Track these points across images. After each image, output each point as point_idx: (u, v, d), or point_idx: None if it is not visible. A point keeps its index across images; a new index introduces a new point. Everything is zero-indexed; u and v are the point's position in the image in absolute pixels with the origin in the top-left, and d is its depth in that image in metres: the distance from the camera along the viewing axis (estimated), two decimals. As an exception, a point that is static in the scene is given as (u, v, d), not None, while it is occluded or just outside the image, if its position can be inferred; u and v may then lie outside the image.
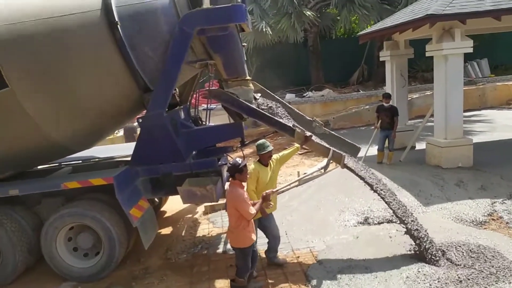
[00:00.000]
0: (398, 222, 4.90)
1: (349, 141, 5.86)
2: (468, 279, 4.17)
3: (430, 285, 4.17)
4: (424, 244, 4.68)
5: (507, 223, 5.58)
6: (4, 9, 4.56)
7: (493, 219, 5.76)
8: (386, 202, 4.94)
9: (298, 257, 5.22)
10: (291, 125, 5.21)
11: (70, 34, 4.60)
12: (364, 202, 6.61)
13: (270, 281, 4.70)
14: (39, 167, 6.06)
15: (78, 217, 5.01)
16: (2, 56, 4.45)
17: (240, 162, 4.20)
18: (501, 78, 16.41)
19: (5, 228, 5.04)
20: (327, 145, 5.16)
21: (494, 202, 6.19)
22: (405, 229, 4.79)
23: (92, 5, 4.73)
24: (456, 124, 7.83)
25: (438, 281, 4.20)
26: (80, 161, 6.36)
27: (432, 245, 4.73)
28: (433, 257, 4.62)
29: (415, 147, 9.38)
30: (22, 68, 4.53)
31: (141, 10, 4.89)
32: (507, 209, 5.93)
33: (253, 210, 4.11)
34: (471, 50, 7.52)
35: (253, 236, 4.36)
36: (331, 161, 5.06)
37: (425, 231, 4.83)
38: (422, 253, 4.66)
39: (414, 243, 4.78)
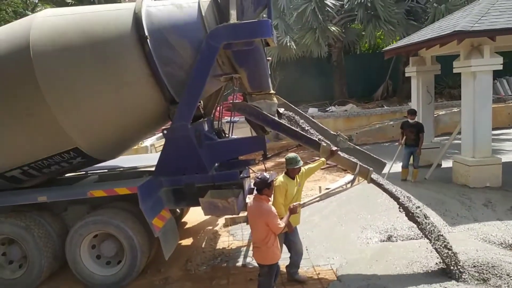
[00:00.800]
0: (425, 239, 4.79)
1: (374, 156, 5.79)
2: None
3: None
4: (451, 261, 4.59)
5: (538, 247, 5.35)
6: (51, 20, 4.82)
7: (523, 242, 5.53)
8: (413, 219, 4.84)
9: (319, 273, 5.14)
10: (317, 139, 5.19)
11: (107, 46, 4.78)
12: (387, 219, 6.47)
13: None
14: (67, 175, 6.23)
15: (102, 225, 5.11)
16: (40, 68, 4.67)
17: (268, 176, 4.18)
18: (532, 96, 15.94)
19: (33, 234, 5.18)
20: (353, 159, 5.12)
21: (524, 224, 5.95)
22: (433, 248, 4.68)
23: (124, 19, 4.91)
24: (484, 143, 7.62)
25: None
26: (106, 170, 6.50)
27: (459, 263, 4.63)
28: (459, 274, 4.54)
29: (441, 165, 9.16)
30: (57, 80, 4.73)
31: (170, 24, 5.03)
32: (538, 232, 5.69)
33: (282, 224, 4.10)
34: (500, 67, 7.36)
35: (280, 252, 4.32)
36: (357, 176, 5.01)
37: (453, 249, 4.71)
38: (449, 271, 4.58)
39: (439, 262, 4.65)
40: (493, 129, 8.02)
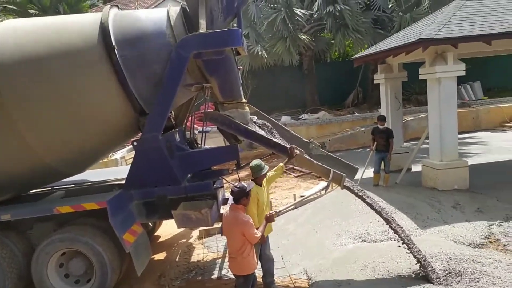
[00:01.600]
0: (398, 242, 4.86)
1: (346, 162, 5.86)
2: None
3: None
4: (424, 263, 4.69)
5: (504, 245, 5.52)
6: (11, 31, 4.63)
7: (490, 242, 5.70)
8: (387, 222, 4.92)
9: (295, 282, 5.11)
10: (289, 147, 5.20)
11: (65, 55, 4.62)
12: (361, 225, 6.54)
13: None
14: (32, 191, 5.97)
15: (70, 243, 4.91)
16: (1, 81, 4.47)
17: (247, 186, 4.16)
18: (494, 100, 16.62)
19: (-5, 254, 4.92)
20: (327, 166, 5.15)
21: (491, 225, 6.14)
22: (405, 250, 4.75)
23: (91, 29, 4.78)
24: (451, 146, 7.86)
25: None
26: (73, 185, 6.27)
27: (431, 265, 4.74)
28: (432, 276, 4.65)
29: (411, 169, 9.39)
30: (18, 89, 4.54)
31: (138, 33, 4.94)
32: (504, 232, 5.88)
33: (259, 233, 4.08)
34: (463, 73, 7.64)
35: (256, 262, 4.29)
36: (331, 182, 5.05)
37: (423, 253, 4.83)
38: (423, 272, 4.68)
39: (413, 264, 4.73)
40: (459, 133, 8.30)
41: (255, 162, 4.68)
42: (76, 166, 5.44)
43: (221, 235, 4.51)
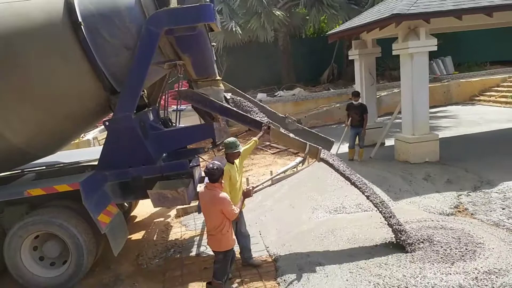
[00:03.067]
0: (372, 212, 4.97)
1: (322, 135, 5.92)
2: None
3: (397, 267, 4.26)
4: (400, 229, 4.80)
5: (472, 214, 5.77)
6: None
7: (459, 211, 5.94)
8: (363, 193, 5.01)
9: (272, 256, 5.21)
10: (265, 122, 5.19)
11: (29, 34, 4.40)
12: (336, 199, 6.68)
13: (245, 282, 4.66)
14: (1, 174, 5.78)
15: (43, 225, 4.81)
16: None
17: (221, 165, 4.20)
18: (465, 75, 17.04)
19: (-35, 240, 4.78)
20: (303, 140, 5.18)
21: (460, 195, 6.39)
22: (378, 220, 4.86)
23: (55, 5, 4.55)
24: (422, 120, 8.05)
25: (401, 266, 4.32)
26: (44, 167, 6.10)
27: (407, 232, 4.86)
28: (408, 242, 4.76)
29: (384, 143, 9.59)
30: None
31: (105, 9, 4.75)
32: (472, 201, 6.14)
33: (237, 209, 4.16)
34: (435, 48, 7.76)
35: (234, 238, 4.37)
36: (307, 156, 5.10)
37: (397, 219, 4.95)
38: (397, 239, 4.80)
39: (385, 233, 4.86)
40: (431, 107, 8.50)
41: (230, 139, 4.67)
42: (46, 148, 5.28)
43: (199, 213, 4.53)
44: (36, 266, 4.98)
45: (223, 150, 4.73)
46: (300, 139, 5.23)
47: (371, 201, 5.00)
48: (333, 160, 5.23)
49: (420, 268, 4.28)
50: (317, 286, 4.29)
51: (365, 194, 4.99)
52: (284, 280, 4.52)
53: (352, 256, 4.78)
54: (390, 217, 4.89)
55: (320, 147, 5.17)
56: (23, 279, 4.91)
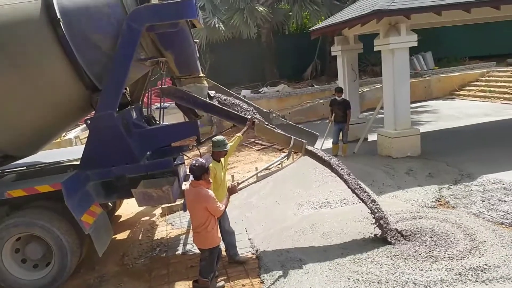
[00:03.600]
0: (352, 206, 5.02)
1: (306, 129, 5.95)
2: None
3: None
4: (383, 222, 4.86)
5: (453, 207, 5.89)
6: None
7: (440, 204, 6.06)
8: (348, 185, 5.05)
9: (257, 252, 5.22)
10: (249, 117, 5.18)
11: (6, 31, 4.28)
12: (321, 194, 6.74)
13: (231, 279, 4.67)
14: (-21, 175, 5.64)
15: (25, 227, 4.72)
16: None
17: (205, 162, 4.17)
18: (445, 70, 17.35)
19: None
20: (287, 134, 5.20)
21: (441, 188, 6.52)
22: (361, 214, 4.92)
23: (32, 1, 4.44)
24: (404, 115, 8.17)
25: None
26: (25, 168, 5.97)
27: (389, 225, 4.92)
28: (390, 234, 4.83)
29: (367, 138, 9.70)
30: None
31: (85, 6, 4.66)
32: (452, 194, 6.27)
33: (222, 206, 4.16)
34: (416, 44, 7.87)
35: (220, 235, 4.37)
36: (292, 150, 5.11)
37: (383, 212, 5.01)
38: (382, 230, 4.85)
39: (366, 226, 4.91)
40: (412, 102, 8.65)
41: (219, 137, 4.68)
42: (26, 148, 5.18)
43: (184, 211, 4.50)
44: (18, 268, 4.88)
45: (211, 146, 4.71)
46: (284, 133, 5.25)
47: (355, 193, 5.03)
48: (318, 151, 5.27)
49: (401, 264, 4.35)
50: (298, 282, 4.33)
51: (350, 186, 5.01)
52: (270, 277, 4.54)
53: (328, 251, 4.84)
54: (376, 210, 4.93)
55: (304, 141, 5.19)
56: (5, 282, 4.81)
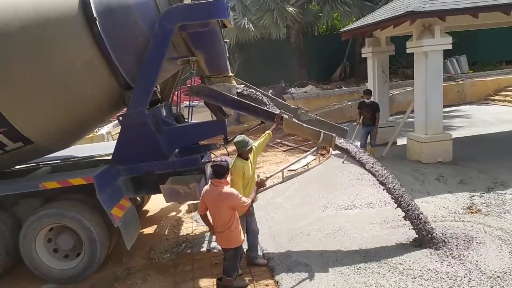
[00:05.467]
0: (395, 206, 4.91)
1: (336, 124, 5.85)
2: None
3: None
4: (420, 225, 4.72)
5: (485, 215, 5.69)
6: None
7: (471, 212, 5.87)
8: (380, 182, 4.92)
9: (277, 252, 5.21)
10: (277, 112, 5.17)
11: (45, 29, 4.46)
12: (347, 197, 6.66)
13: (255, 278, 4.68)
14: (17, 167, 5.89)
15: (58, 218, 4.89)
16: None
17: (228, 161, 4.18)
18: (479, 74, 16.77)
19: (-18, 231, 4.89)
20: (316, 129, 5.14)
21: (473, 196, 6.31)
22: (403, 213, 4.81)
23: (70, 0, 4.60)
24: (436, 120, 7.96)
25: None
26: (59, 161, 6.20)
27: (427, 228, 4.77)
28: (429, 240, 4.69)
29: (396, 142, 9.51)
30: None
31: (120, 5, 4.78)
32: (485, 202, 6.06)
33: (248, 200, 4.12)
34: (450, 47, 7.65)
35: (243, 234, 4.36)
36: (322, 144, 5.05)
37: (420, 212, 4.86)
38: (421, 237, 4.73)
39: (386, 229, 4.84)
40: (444, 106, 8.40)
41: (238, 138, 4.64)
42: (61, 141, 5.35)
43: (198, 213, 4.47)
44: (50, 258, 5.08)
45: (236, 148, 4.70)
46: (314, 128, 5.17)
47: (388, 190, 4.87)
48: (348, 146, 5.17)
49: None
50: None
51: (380, 180, 4.87)
52: (286, 277, 4.54)
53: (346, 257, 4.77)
54: (408, 210, 4.78)
55: (334, 135, 5.09)
56: (38, 270, 5.01)
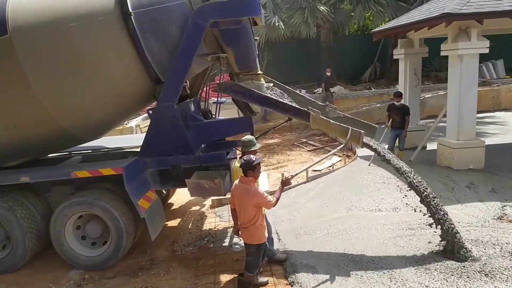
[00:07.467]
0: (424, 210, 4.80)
1: (365, 121, 5.74)
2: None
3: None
4: (450, 237, 4.55)
5: (517, 227, 5.49)
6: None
7: (502, 222, 5.67)
8: (409, 183, 4.78)
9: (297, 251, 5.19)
10: (305, 109, 5.14)
11: (83, 22, 4.60)
12: (372, 201, 6.55)
13: (275, 275, 4.69)
14: (50, 155, 6.12)
15: (87, 206, 5.05)
16: (18, 41, 4.47)
17: (254, 159, 4.17)
18: (517, 80, 16.16)
19: (16, 215, 5.10)
20: (344, 125, 5.06)
21: (505, 206, 6.08)
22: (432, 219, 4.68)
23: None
24: (469, 126, 7.72)
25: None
26: (90, 151, 6.40)
27: (458, 238, 4.58)
28: (457, 251, 4.52)
29: (426, 147, 9.27)
30: (35, 54, 4.55)
31: (154, 1, 4.88)
32: (517, 213, 5.84)
33: (273, 199, 4.15)
34: (487, 51, 7.39)
35: (266, 231, 4.39)
36: (349, 141, 5.00)
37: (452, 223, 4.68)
38: (451, 248, 4.57)
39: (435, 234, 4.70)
40: (478, 112, 8.13)
41: (248, 137, 4.65)
42: (92, 132, 5.51)
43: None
44: (78, 244, 5.25)
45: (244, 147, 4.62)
46: (341, 124, 5.08)
47: (417, 192, 4.72)
48: (377, 145, 5.06)
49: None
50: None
51: (409, 179, 4.73)
52: (306, 277, 4.51)
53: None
54: (436, 212, 4.62)
55: (362, 131, 4.97)
56: (66, 256, 5.19)
